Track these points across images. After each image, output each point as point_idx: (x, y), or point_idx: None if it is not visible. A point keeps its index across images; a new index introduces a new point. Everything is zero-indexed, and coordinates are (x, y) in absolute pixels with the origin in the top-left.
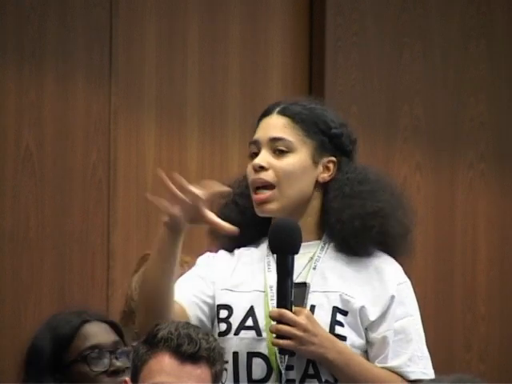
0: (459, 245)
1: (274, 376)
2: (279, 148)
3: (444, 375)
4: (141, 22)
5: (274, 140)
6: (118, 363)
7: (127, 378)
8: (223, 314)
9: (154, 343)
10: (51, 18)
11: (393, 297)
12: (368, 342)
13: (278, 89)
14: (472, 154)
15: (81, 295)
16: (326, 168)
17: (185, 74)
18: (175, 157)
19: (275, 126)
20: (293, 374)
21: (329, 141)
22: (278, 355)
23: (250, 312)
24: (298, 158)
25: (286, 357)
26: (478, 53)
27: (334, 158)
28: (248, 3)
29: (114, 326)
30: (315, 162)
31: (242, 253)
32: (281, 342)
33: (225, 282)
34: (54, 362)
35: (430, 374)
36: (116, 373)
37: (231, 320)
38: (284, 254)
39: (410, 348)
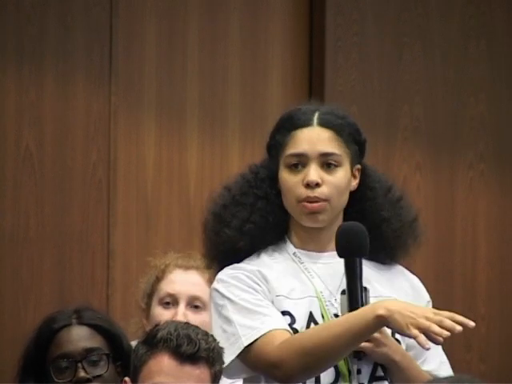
0: (459, 245)
1: (341, 381)
2: (330, 163)
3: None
4: (141, 22)
5: (326, 155)
6: (82, 373)
7: (127, 378)
8: (286, 320)
9: (153, 344)
10: (51, 18)
11: (429, 302)
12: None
13: (278, 89)
14: (472, 154)
15: (81, 295)
16: (354, 176)
17: (185, 74)
18: (175, 157)
19: (322, 139)
20: (361, 378)
21: (359, 149)
22: (349, 360)
23: (311, 318)
24: (345, 172)
25: (356, 361)
26: (478, 53)
27: (359, 166)
28: (248, 3)
29: (100, 330)
30: (352, 173)
31: (264, 261)
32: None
33: (276, 289)
34: (37, 365)
35: None
36: (79, 383)
37: (296, 326)
38: (352, 257)
39: (439, 352)
